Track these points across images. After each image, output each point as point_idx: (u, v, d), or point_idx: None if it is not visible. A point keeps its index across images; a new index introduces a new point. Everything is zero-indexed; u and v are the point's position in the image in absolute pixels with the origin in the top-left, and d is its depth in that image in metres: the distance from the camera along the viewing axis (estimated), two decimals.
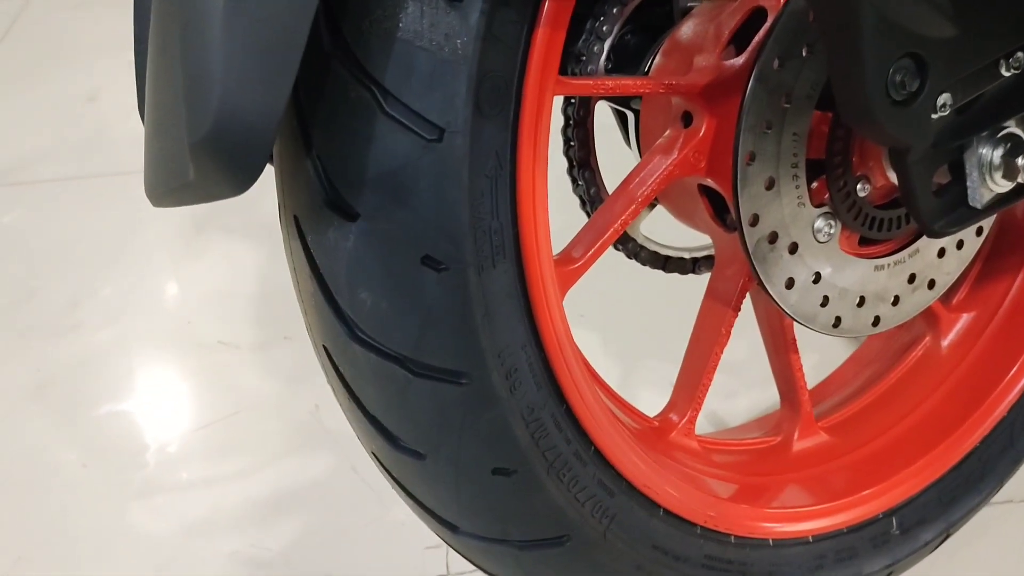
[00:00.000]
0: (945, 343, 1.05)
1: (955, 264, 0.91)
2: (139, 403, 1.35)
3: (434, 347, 0.67)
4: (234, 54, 0.54)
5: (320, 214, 0.65)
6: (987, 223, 0.92)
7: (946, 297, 1.04)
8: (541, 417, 0.72)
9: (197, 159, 0.56)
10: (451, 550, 0.80)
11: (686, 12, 0.90)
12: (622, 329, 1.39)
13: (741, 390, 1.25)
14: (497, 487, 0.72)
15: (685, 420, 0.90)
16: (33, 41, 2.26)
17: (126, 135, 1.84)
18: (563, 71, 0.91)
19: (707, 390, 0.90)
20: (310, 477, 1.22)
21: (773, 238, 0.80)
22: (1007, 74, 0.73)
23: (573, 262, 0.80)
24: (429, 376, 0.68)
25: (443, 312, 0.66)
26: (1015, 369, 1.02)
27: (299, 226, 0.67)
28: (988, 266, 1.06)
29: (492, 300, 0.68)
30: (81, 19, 2.32)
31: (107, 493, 1.22)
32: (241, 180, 0.57)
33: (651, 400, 1.01)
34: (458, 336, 0.67)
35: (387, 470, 0.74)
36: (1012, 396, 1.01)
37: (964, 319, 1.05)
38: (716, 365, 0.90)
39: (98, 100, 1.99)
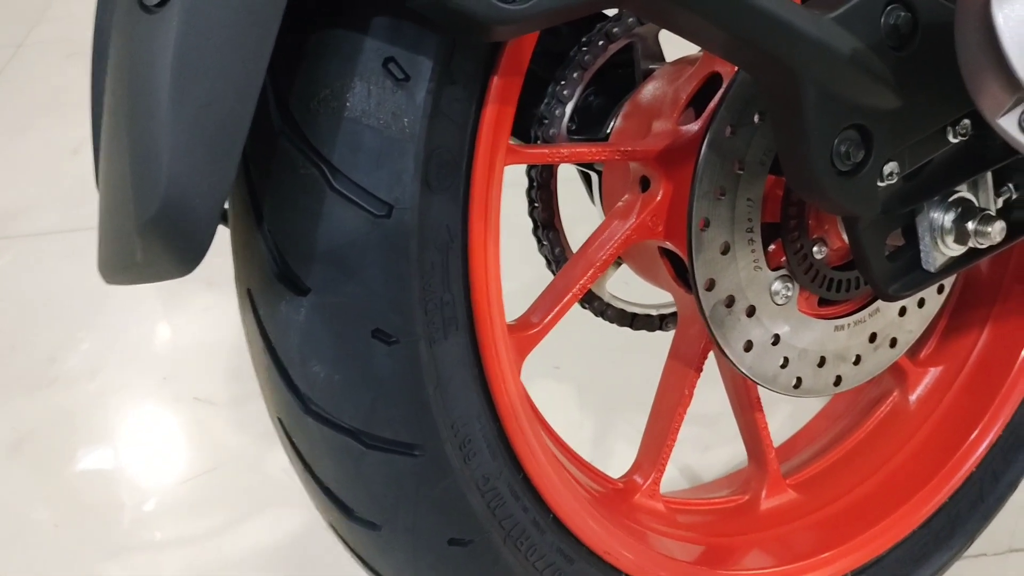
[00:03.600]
0: (913, 398, 1.05)
1: (917, 322, 0.92)
2: (115, 460, 1.35)
3: (386, 420, 0.67)
4: (179, 139, 0.55)
5: (272, 288, 0.66)
6: (948, 281, 0.93)
7: (913, 352, 1.04)
8: (497, 486, 0.72)
9: (145, 241, 0.57)
10: None
11: (648, 74, 0.92)
12: (598, 381, 1.39)
13: (715, 443, 1.25)
14: (454, 558, 0.72)
15: (650, 481, 0.90)
16: (20, 92, 2.29)
17: None
18: (526, 133, 0.93)
19: (671, 451, 0.90)
20: (284, 535, 1.22)
21: (730, 302, 0.81)
22: (954, 140, 0.74)
23: (532, 327, 0.80)
24: (382, 448, 0.68)
25: (395, 385, 0.67)
26: (983, 423, 1.02)
27: (252, 299, 0.68)
28: (955, 320, 1.06)
29: (444, 371, 0.68)
30: (70, 70, 2.34)
31: (80, 553, 1.22)
32: (187, 261, 0.57)
33: (626, 452, 1.01)
34: (410, 408, 0.67)
35: (344, 541, 0.74)
36: (981, 450, 1.01)
37: (932, 373, 1.06)
38: (679, 426, 0.90)
39: (83, 153, 2.00)
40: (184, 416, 1.39)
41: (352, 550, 0.74)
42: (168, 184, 0.55)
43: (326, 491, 0.71)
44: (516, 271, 1.11)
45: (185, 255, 0.57)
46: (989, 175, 0.78)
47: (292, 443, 0.71)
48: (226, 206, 0.69)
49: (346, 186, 0.63)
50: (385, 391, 0.66)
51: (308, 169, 0.63)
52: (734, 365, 0.83)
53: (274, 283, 0.66)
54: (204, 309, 1.57)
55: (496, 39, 0.63)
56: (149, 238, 0.57)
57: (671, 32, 0.65)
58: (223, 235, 0.70)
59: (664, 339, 1.00)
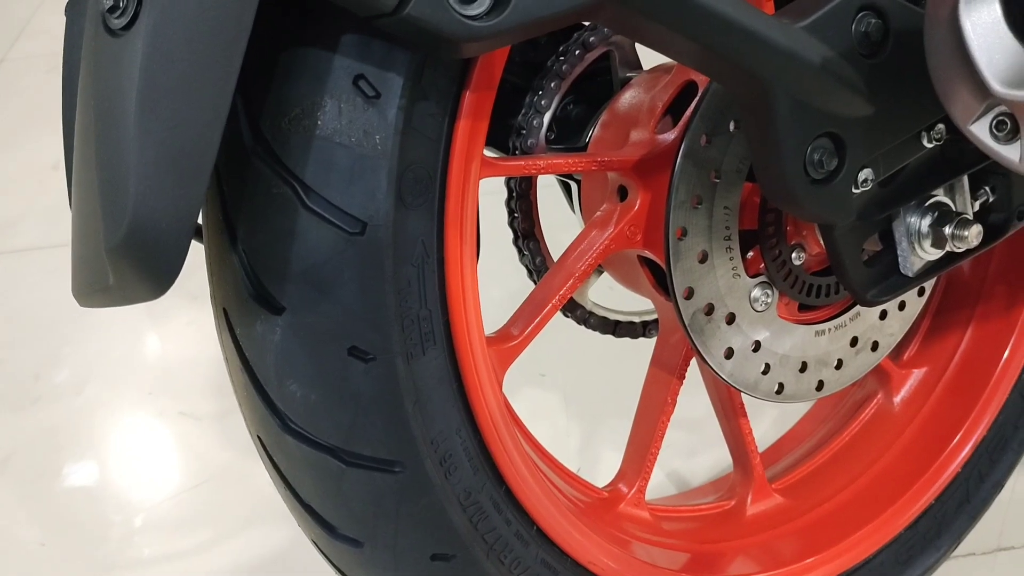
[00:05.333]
0: (897, 399, 1.05)
1: (898, 325, 0.92)
2: (101, 477, 1.34)
3: (365, 437, 0.67)
4: (146, 162, 0.55)
5: (247, 307, 0.66)
6: (929, 283, 0.93)
7: (896, 354, 1.04)
8: (479, 500, 0.72)
9: (114, 264, 0.57)
10: None
11: (625, 83, 0.92)
12: (584, 388, 1.39)
13: (701, 448, 1.25)
14: (437, 573, 0.72)
15: (634, 490, 0.90)
16: (1, 107, 2.27)
17: None
18: (504, 144, 0.92)
19: (655, 459, 0.90)
20: (272, 549, 1.21)
21: (709, 310, 0.81)
22: (929, 146, 0.74)
23: (512, 339, 0.80)
24: (362, 466, 0.68)
25: (373, 402, 0.66)
26: (968, 423, 1.02)
27: (228, 319, 0.67)
28: (937, 321, 1.06)
29: (423, 387, 0.68)
30: (52, 85, 2.32)
31: (67, 571, 1.21)
32: (158, 284, 0.57)
33: (614, 460, 1.00)
34: (389, 425, 0.67)
35: (327, 558, 0.74)
36: (966, 451, 1.01)
37: (915, 375, 1.06)
38: (663, 434, 0.90)
39: (64, 168, 1.99)
40: (170, 431, 1.39)
41: (335, 566, 0.74)
42: (135, 208, 0.55)
43: (308, 508, 0.70)
44: (503, 279, 1.11)
45: (156, 278, 0.57)
46: (965, 179, 0.78)
47: (272, 461, 0.70)
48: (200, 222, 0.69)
49: (319, 204, 0.63)
50: (363, 408, 0.66)
51: (281, 188, 0.63)
52: (715, 372, 0.83)
53: (249, 303, 0.65)
54: (188, 323, 1.56)
55: (465, 55, 0.62)
56: (118, 262, 0.56)
57: (642, 44, 0.65)
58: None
59: (649, 345, 0.99)
